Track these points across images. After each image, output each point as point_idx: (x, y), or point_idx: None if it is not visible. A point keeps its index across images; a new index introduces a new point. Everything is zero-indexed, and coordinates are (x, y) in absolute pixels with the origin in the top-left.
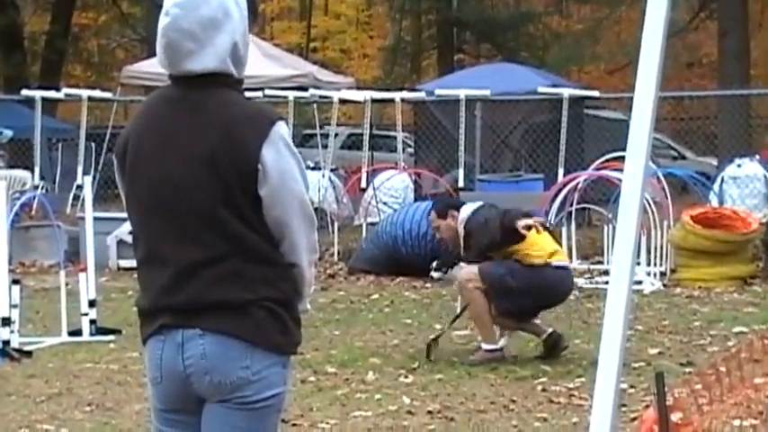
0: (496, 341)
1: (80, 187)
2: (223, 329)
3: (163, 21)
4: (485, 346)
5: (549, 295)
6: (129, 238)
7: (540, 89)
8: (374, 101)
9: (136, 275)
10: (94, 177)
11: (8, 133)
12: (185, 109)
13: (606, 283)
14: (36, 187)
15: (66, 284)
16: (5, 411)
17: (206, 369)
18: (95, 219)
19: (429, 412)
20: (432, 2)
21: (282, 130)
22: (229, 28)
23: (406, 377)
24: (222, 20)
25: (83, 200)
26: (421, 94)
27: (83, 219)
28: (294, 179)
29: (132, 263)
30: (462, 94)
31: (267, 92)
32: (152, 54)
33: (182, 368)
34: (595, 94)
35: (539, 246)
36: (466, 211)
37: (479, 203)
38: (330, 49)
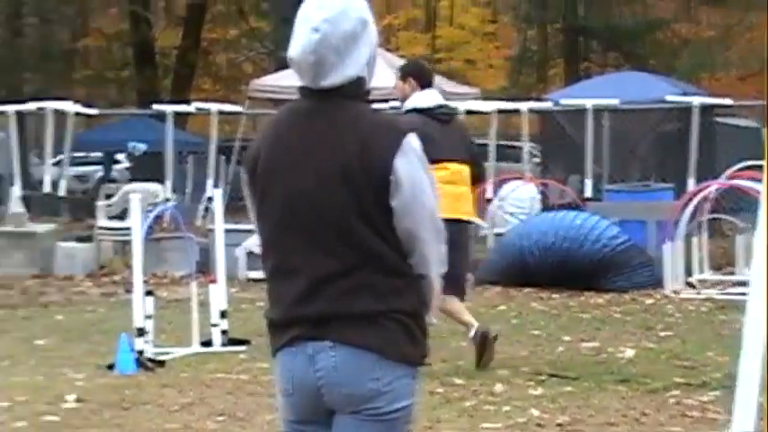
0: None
1: (210, 199)
2: (354, 341)
3: (312, 37)
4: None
5: (461, 248)
6: (258, 250)
7: (669, 98)
8: (500, 111)
9: (266, 287)
10: (224, 190)
11: (141, 147)
12: (318, 121)
13: (739, 294)
14: (167, 200)
15: (198, 295)
16: (140, 420)
17: (337, 381)
18: (225, 231)
19: (558, 425)
20: (558, 11)
21: (414, 141)
22: (367, 40)
23: (535, 389)
24: (360, 33)
25: (213, 212)
26: (548, 105)
27: (213, 230)
28: (425, 191)
29: (261, 274)
30: (589, 103)
31: (392, 103)
32: (279, 68)
33: (313, 380)
34: (727, 102)
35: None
36: (413, 101)
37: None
38: (455, 59)
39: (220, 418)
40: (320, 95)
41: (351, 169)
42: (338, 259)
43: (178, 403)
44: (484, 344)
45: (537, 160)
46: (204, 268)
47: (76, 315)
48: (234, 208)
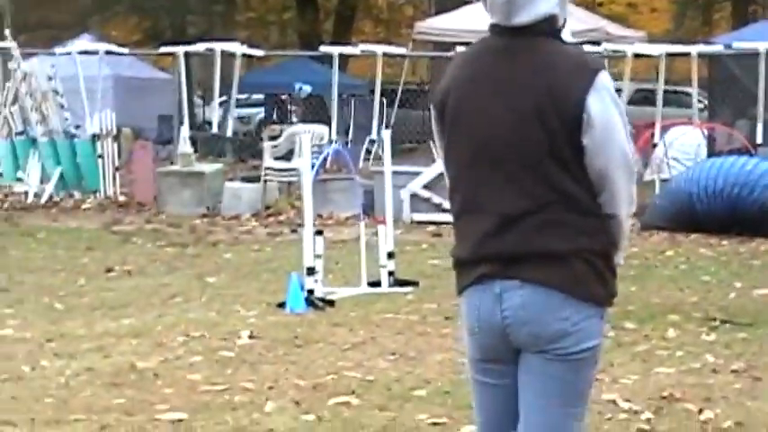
0: None
1: (372, 142)
2: (543, 280)
3: None
4: None
5: None
6: (423, 192)
7: None
8: (669, 55)
9: (453, 225)
10: (378, 131)
11: (307, 89)
12: (510, 59)
13: None
14: (332, 142)
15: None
16: (314, 357)
17: (524, 320)
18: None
19: (734, 371)
20: None
21: (606, 79)
22: None
23: (708, 335)
24: None
25: (374, 154)
26: (718, 47)
27: (377, 173)
28: (617, 129)
29: (426, 216)
30: (763, 47)
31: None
32: (440, 10)
33: (499, 319)
34: None
35: None
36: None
37: None
38: (617, 2)
39: (392, 357)
40: (512, 33)
41: (543, 107)
42: (528, 197)
43: (349, 342)
44: None
45: (700, 106)
46: (369, 210)
47: (244, 254)
48: (397, 151)
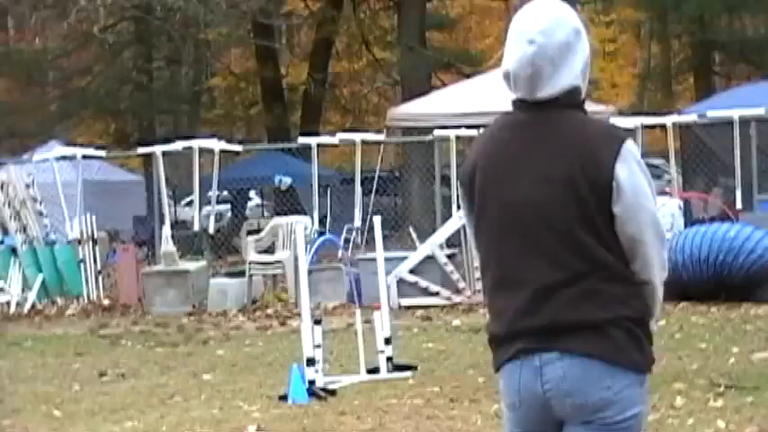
0: None
1: (350, 230)
2: (582, 350)
3: (528, 49)
4: None
5: None
6: (409, 277)
7: None
8: (645, 126)
9: (487, 303)
10: (364, 220)
11: (287, 180)
12: (537, 132)
13: None
14: (323, 233)
15: (352, 324)
16: None
17: (567, 391)
18: (372, 259)
19: None
20: (684, 25)
21: (633, 147)
22: (581, 49)
23: (715, 401)
24: (574, 42)
25: (353, 242)
26: (692, 117)
27: (363, 260)
28: (646, 196)
29: (414, 301)
30: (736, 114)
31: None
32: (410, 96)
33: (541, 392)
34: None
35: None
36: None
37: None
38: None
39: None
40: (536, 107)
41: (573, 178)
42: (562, 268)
43: (359, 430)
44: None
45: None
46: (353, 297)
47: (237, 349)
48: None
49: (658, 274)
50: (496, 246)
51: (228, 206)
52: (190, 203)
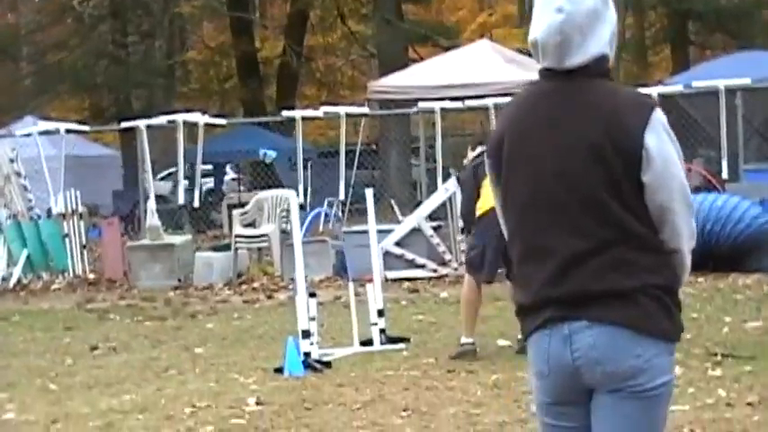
0: (470, 336)
1: (330, 204)
2: (611, 319)
3: (555, 18)
4: (461, 340)
5: (493, 236)
6: (395, 250)
7: None
8: None
9: (515, 272)
10: (347, 193)
11: (272, 154)
12: (565, 101)
13: None
14: (302, 206)
15: (339, 297)
16: (327, 419)
17: (596, 359)
18: (358, 232)
19: (749, 404)
20: None
21: (661, 116)
22: (609, 17)
23: (714, 370)
24: (602, 10)
25: (334, 215)
26: (677, 88)
27: (349, 233)
28: (675, 164)
29: (400, 273)
30: (722, 84)
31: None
32: (386, 71)
33: (570, 360)
34: None
35: (486, 196)
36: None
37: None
38: None
39: (404, 414)
40: (564, 76)
41: (601, 146)
42: (592, 237)
43: (359, 401)
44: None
45: None
46: (341, 271)
47: (226, 323)
48: (353, 211)
49: (687, 243)
50: (525, 216)
51: (210, 180)
52: (165, 177)
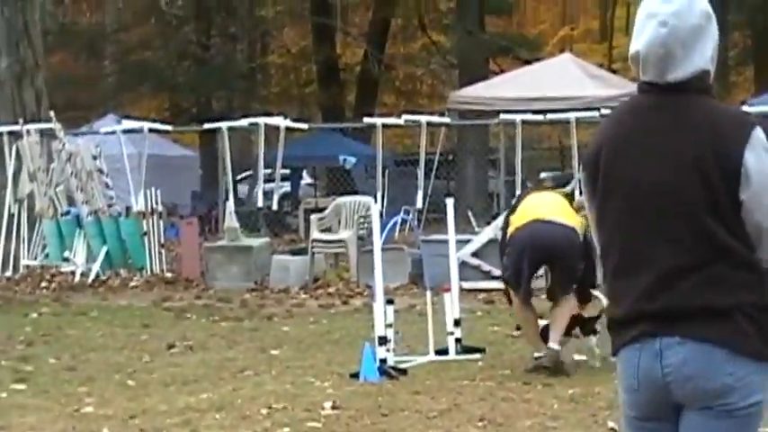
0: (541, 350)
1: (407, 212)
2: (704, 336)
3: (660, 31)
4: (534, 354)
5: (523, 249)
6: (472, 260)
7: None
8: None
9: (607, 286)
10: (424, 201)
11: (352, 160)
12: (666, 115)
13: None
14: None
15: (414, 305)
16: (402, 426)
17: (687, 376)
18: (435, 242)
19: None
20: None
21: (761, 134)
22: (711, 33)
23: None
24: (706, 26)
25: (410, 224)
26: (761, 108)
27: (426, 241)
28: None
29: (476, 284)
30: None
31: (603, 111)
32: (467, 81)
33: (660, 376)
34: None
35: (520, 215)
36: None
37: None
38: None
39: (480, 424)
40: (665, 90)
41: (703, 162)
42: (690, 252)
43: (435, 410)
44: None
45: None
46: (417, 279)
47: (302, 326)
48: (429, 220)
49: None
50: (621, 229)
51: (286, 184)
52: (242, 180)
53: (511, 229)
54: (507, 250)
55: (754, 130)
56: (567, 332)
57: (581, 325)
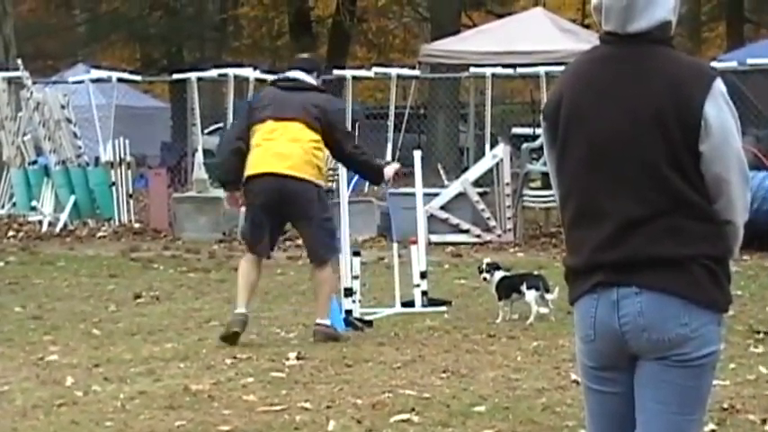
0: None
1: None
2: (661, 286)
3: None
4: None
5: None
6: (440, 213)
7: None
8: None
9: (565, 236)
10: (393, 155)
11: None
12: (626, 66)
13: None
14: None
15: (382, 258)
16: (366, 376)
17: (643, 326)
18: (403, 194)
19: None
20: None
21: (722, 86)
22: None
23: (756, 347)
24: None
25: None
26: (731, 64)
27: (394, 194)
28: (733, 135)
29: (444, 237)
30: None
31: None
32: (439, 35)
33: (617, 326)
34: None
35: None
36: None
37: None
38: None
39: (444, 375)
40: (627, 40)
41: (662, 113)
42: (647, 203)
43: (399, 360)
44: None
45: None
46: (385, 232)
47: (268, 278)
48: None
49: (741, 215)
50: (580, 179)
51: None
52: (213, 132)
53: None
54: None
55: (715, 81)
56: None
57: None
